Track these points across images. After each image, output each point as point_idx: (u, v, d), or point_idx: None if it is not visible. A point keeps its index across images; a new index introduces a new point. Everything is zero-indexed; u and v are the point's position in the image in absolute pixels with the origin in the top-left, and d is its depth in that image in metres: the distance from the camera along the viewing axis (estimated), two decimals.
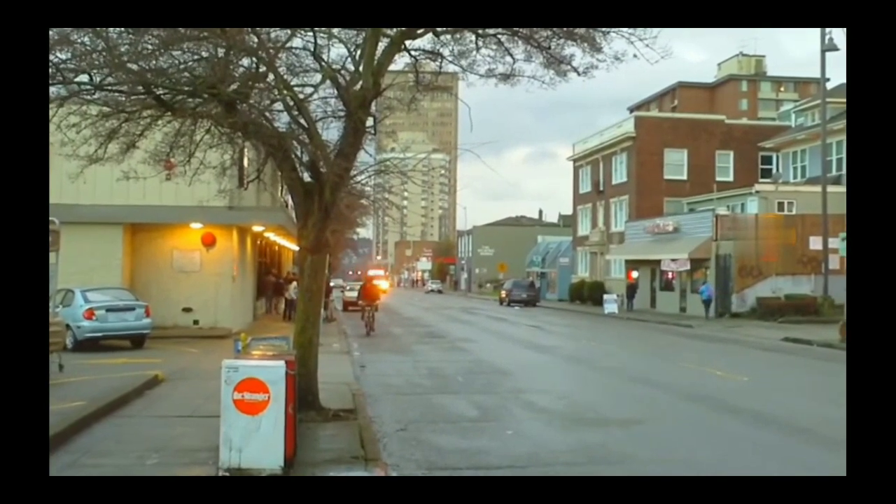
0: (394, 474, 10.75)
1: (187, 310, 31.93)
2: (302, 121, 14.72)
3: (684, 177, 65.21)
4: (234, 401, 9.86)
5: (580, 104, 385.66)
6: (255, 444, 9.84)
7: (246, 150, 20.75)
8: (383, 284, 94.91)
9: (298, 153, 15.15)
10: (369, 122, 15.45)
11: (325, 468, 10.67)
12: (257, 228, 37.71)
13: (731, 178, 64.06)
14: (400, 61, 15.99)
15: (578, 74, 15.36)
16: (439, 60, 16.09)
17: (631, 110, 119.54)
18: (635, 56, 14.65)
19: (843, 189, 42.28)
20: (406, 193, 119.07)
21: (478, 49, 15.23)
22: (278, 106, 15.16)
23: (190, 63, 13.76)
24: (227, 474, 9.77)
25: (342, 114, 15.26)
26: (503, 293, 75.04)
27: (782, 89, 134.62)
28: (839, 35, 39.04)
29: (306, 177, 15.20)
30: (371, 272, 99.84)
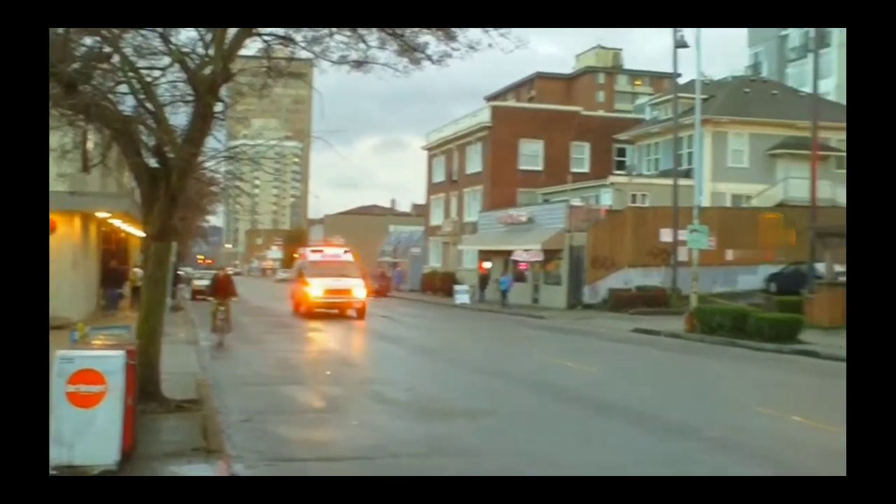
0: (236, 466, 10.53)
1: None
2: (149, 105, 14.32)
3: (539, 167, 65.89)
4: (67, 394, 9.44)
5: (437, 94, 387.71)
6: (89, 439, 9.46)
7: (90, 132, 20.04)
8: (357, 291, 41.30)
9: (145, 138, 14.74)
10: (219, 107, 15.15)
11: (164, 461, 10.38)
12: (102, 215, 36.53)
13: (586, 170, 64.94)
14: (252, 46, 15.72)
15: (432, 62, 15.41)
16: (292, 46, 15.88)
17: (488, 100, 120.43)
18: (490, 45, 14.81)
19: (692, 182, 43.44)
20: (257, 181, 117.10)
21: (331, 35, 15.08)
22: (123, 88, 14.73)
23: None
24: (56, 473, 9.28)
25: (191, 98, 14.89)
26: None
27: (638, 83, 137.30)
28: (689, 33, 40.03)
29: (153, 162, 14.78)
30: (319, 253, 45.71)
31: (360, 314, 40.74)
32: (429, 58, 15.28)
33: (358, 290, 41.17)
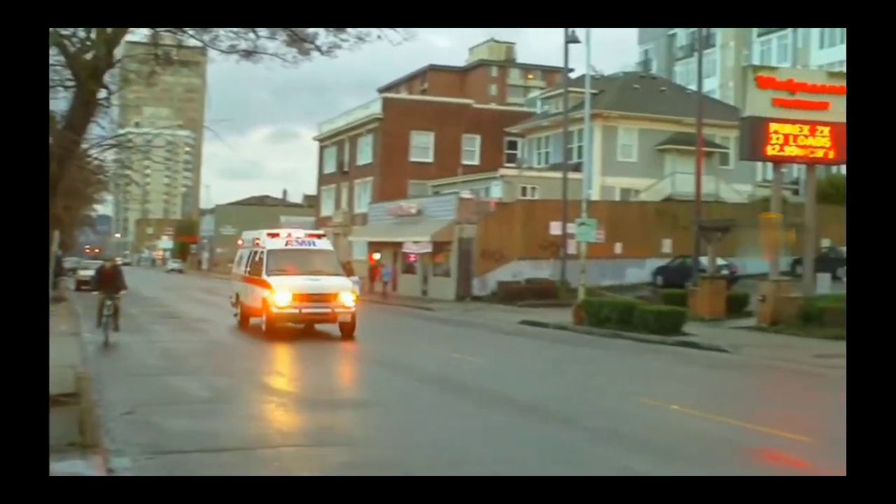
0: (114, 460, 10.30)
1: None
2: None
3: (430, 160, 66.14)
4: None
5: (330, 86, 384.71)
6: None
7: None
8: (344, 296, 27.23)
9: None
10: (103, 93, 14.86)
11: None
12: None
13: (477, 162, 65.33)
14: (139, 31, 15.45)
15: (321, 53, 15.42)
16: (180, 34, 15.67)
17: (381, 92, 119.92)
18: (379, 37, 14.86)
19: (581, 176, 43.79)
20: (148, 170, 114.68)
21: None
22: None
23: None
24: None
25: (71, 83, 14.55)
26: None
27: (531, 77, 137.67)
28: (580, 29, 40.57)
29: None
30: (282, 239, 28.72)
31: (348, 331, 27.12)
32: (318, 48, 15.30)
33: (345, 295, 27.21)
